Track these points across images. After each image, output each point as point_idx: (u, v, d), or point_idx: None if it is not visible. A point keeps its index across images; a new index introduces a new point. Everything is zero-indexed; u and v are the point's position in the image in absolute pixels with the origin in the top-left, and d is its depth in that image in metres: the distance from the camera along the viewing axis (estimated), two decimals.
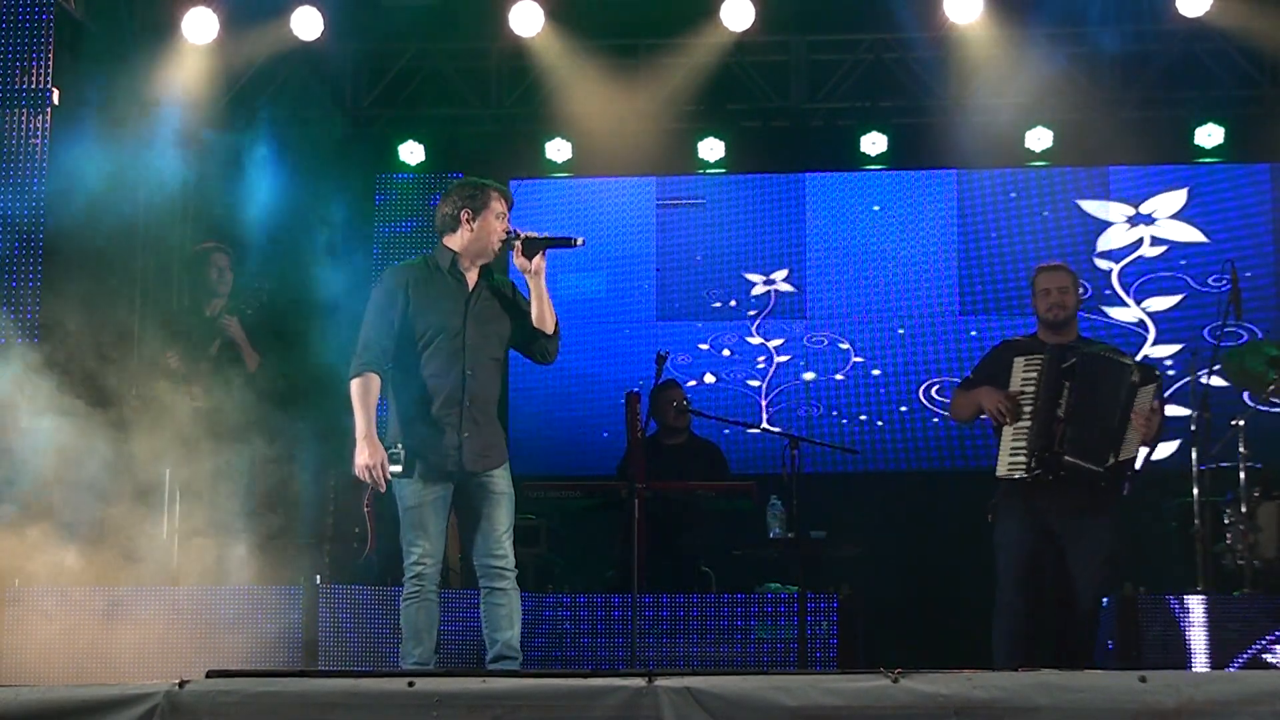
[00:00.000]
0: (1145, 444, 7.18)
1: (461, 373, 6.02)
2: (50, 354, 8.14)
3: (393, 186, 11.58)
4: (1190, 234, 10.92)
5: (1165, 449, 9.07)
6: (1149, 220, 10.99)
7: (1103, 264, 10.97)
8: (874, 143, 11.03)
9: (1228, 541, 8.32)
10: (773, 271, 11.26)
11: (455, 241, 6.16)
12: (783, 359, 11.10)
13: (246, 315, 8.75)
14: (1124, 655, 7.23)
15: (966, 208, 11.21)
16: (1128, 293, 10.88)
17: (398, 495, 6.06)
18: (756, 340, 11.25)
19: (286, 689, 4.65)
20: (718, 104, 11.11)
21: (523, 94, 11.16)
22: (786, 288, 11.25)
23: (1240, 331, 8.57)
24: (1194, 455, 8.24)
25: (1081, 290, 7.87)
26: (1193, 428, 8.25)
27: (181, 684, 4.62)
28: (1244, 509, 8.20)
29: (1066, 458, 7.06)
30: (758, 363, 11.16)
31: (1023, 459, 7.12)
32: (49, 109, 8.78)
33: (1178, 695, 4.41)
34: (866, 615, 8.08)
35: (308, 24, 10.21)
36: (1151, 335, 10.78)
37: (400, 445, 5.98)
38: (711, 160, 11.06)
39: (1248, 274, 10.01)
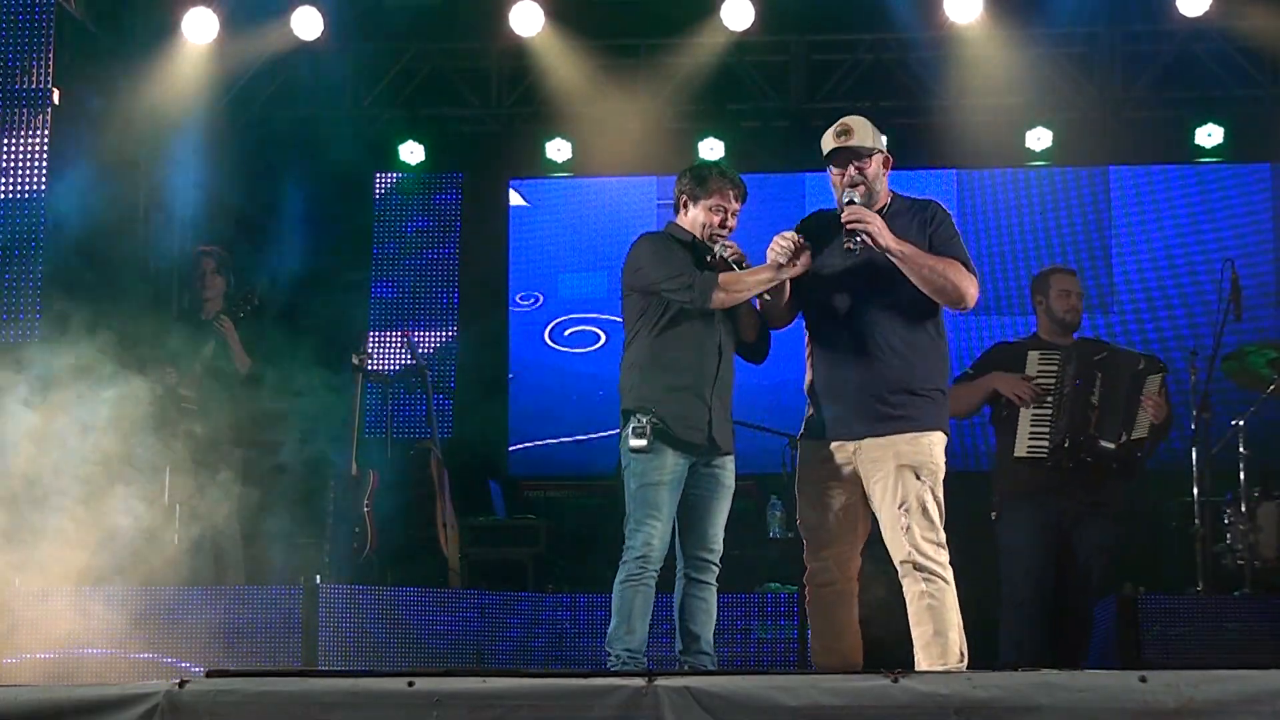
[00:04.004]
0: (1157, 425, 7.33)
1: (717, 347, 5.85)
2: (49, 353, 8.13)
3: (393, 186, 11.58)
4: None
5: None
6: None
7: None
8: None
9: (1228, 541, 8.33)
10: None
11: (683, 222, 6.01)
12: None
13: (239, 317, 8.75)
14: (1124, 655, 7.24)
15: (966, 207, 11.21)
16: None
17: (634, 470, 5.79)
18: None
19: (286, 689, 4.64)
20: (718, 104, 11.13)
21: (523, 94, 11.18)
22: None
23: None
24: (1194, 455, 8.24)
25: None
26: (1193, 427, 8.26)
27: (181, 683, 4.61)
28: (1244, 509, 8.21)
29: (1102, 442, 7.21)
30: None
31: (1046, 442, 7.21)
32: (49, 109, 8.78)
33: (1177, 695, 4.40)
34: (866, 615, 8.06)
35: (308, 24, 10.22)
36: None
37: (646, 419, 5.72)
38: (711, 160, 11.06)
39: (1248, 274, 9.97)
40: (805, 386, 5.86)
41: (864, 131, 5.74)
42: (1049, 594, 7.18)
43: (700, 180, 5.96)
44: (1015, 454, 7.27)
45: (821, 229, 5.79)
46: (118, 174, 9.44)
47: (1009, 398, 7.29)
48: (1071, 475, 7.22)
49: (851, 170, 5.68)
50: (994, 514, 7.36)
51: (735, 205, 5.93)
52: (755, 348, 6.05)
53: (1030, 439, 7.26)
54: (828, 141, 5.75)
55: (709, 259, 5.88)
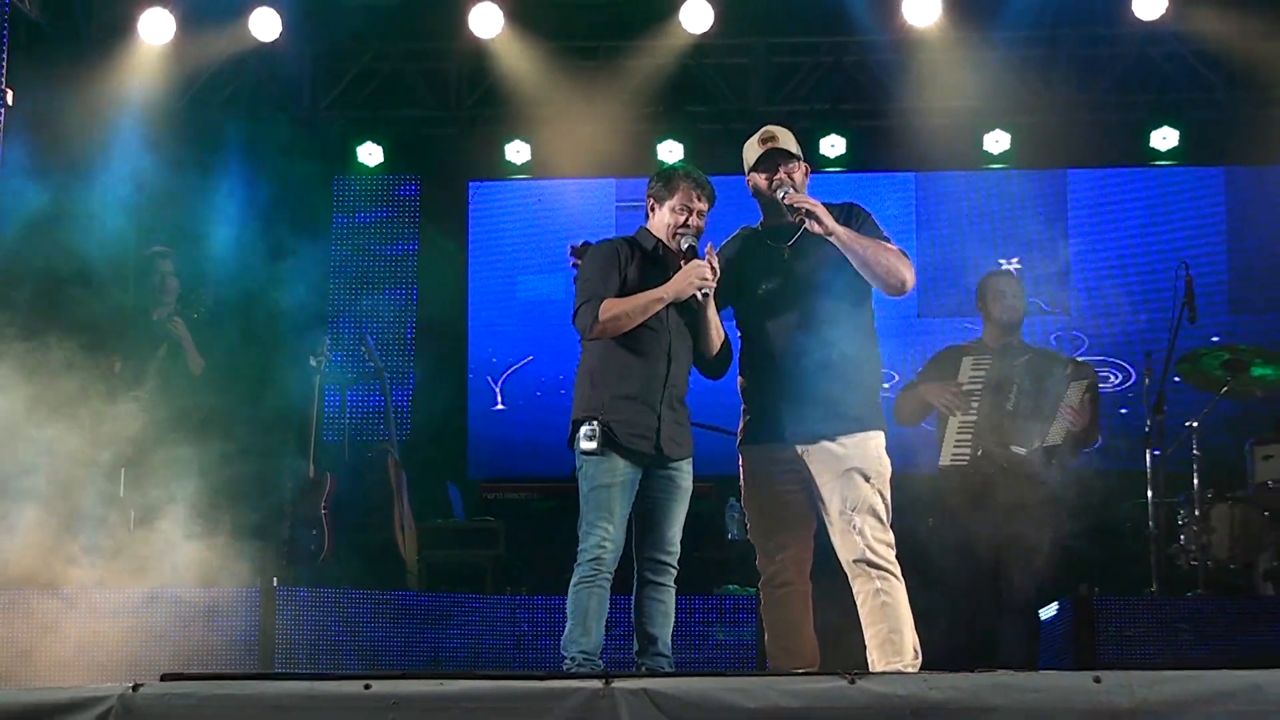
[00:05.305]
0: (1075, 432, 7.31)
1: (666, 354, 5.83)
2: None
3: (351, 188, 11.55)
4: None
5: None
6: None
7: None
8: (833, 145, 11.08)
9: (1181, 542, 8.39)
10: None
11: (651, 226, 6.02)
12: None
13: (192, 319, 8.70)
14: (1079, 656, 7.27)
15: (925, 210, 11.25)
16: None
17: (585, 473, 5.79)
18: None
19: (242, 692, 4.62)
20: (677, 106, 11.14)
21: (482, 95, 11.16)
22: None
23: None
24: (1148, 457, 8.29)
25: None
26: (1148, 429, 8.30)
27: (135, 687, 4.58)
28: (1197, 510, 8.28)
29: (1012, 447, 7.21)
30: None
31: (967, 449, 7.23)
32: (3, 110, 8.71)
33: (1131, 695, 4.44)
34: (826, 616, 8.08)
35: (265, 25, 10.18)
36: None
37: (596, 423, 5.73)
38: (671, 162, 11.06)
39: (1202, 276, 10.02)
40: (740, 390, 5.93)
41: (788, 138, 5.86)
42: (986, 598, 7.19)
43: (666, 181, 5.99)
44: (940, 462, 7.32)
45: (749, 242, 5.94)
46: (72, 175, 9.37)
47: (938, 406, 7.34)
48: (995, 481, 7.21)
49: (781, 174, 5.76)
50: (930, 520, 7.38)
51: (701, 205, 5.93)
52: (714, 363, 6.04)
53: (955, 446, 7.29)
54: (753, 148, 5.85)
55: (681, 260, 5.90)
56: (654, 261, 5.93)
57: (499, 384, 11.34)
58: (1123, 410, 10.46)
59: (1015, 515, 7.15)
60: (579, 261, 6.08)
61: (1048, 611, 7.64)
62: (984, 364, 7.35)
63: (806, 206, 5.62)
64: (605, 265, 5.90)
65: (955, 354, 7.52)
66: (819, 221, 5.61)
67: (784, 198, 5.68)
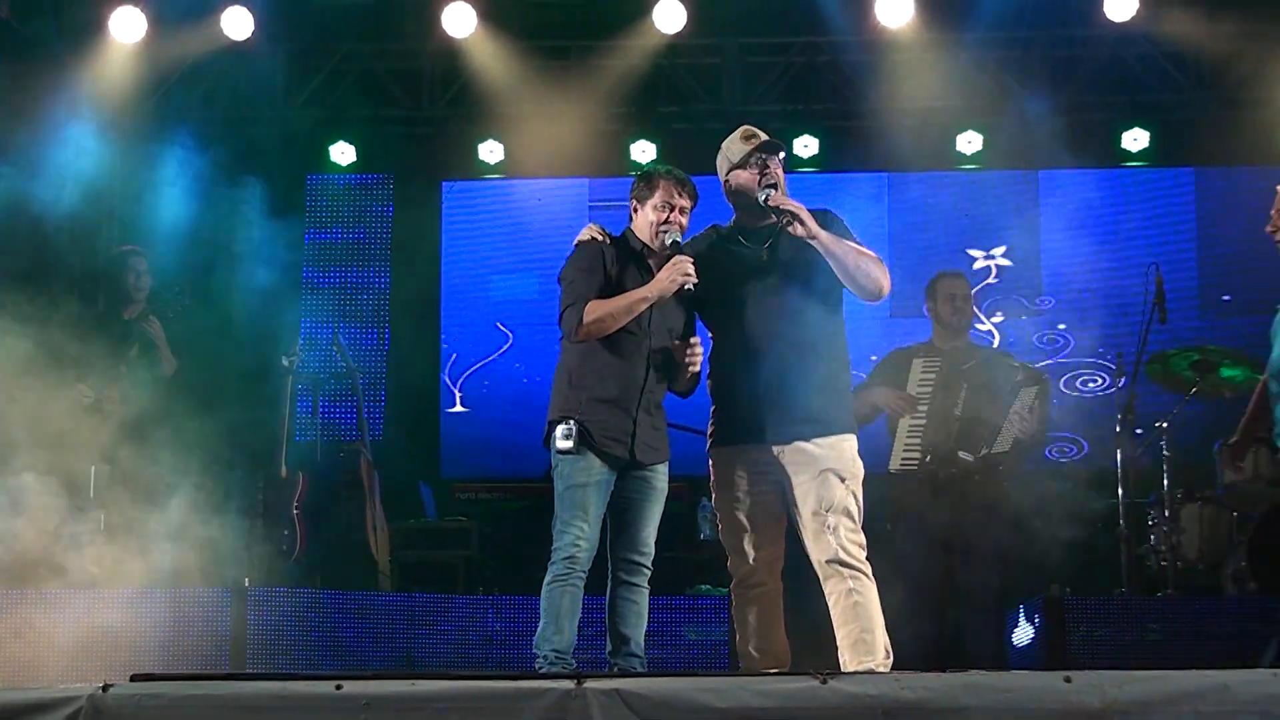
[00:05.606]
0: (1023, 439, 7.32)
1: (645, 359, 5.83)
2: None
3: (323, 187, 11.52)
4: None
5: None
6: None
7: None
8: (806, 145, 11.11)
9: (1151, 543, 8.43)
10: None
11: (635, 227, 5.99)
12: None
13: (168, 318, 8.67)
14: (1050, 655, 7.29)
15: (898, 210, 11.27)
16: None
17: (561, 472, 5.79)
18: None
19: (213, 692, 4.60)
20: (650, 106, 11.15)
21: (455, 95, 11.15)
22: None
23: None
24: (1119, 457, 8.32)
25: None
26: (1118, 429, 8.33)
27: (105, 687, 4.56)
28: (1167, 510, 8.31)
29: (960, 453, 7.22)
30: None
31: (917, 454, 7.24)
32: None
33: (1102, 695, 4.45)
34: (795, 616, 8.09)
35: (238, 23, 10.15)
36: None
37: (572, 422, 5.74)
38: (644, 162, 11.06)
39: (1173, 277, 10.06)
40: (710, 391, 5.92)
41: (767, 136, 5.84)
42: (943, 603, 7.20)
43: (648, 181, 5.98)
44: (890, 466, 7.32)
45: (722, 241, 5.92)
46: (44, 173, 9.33)
47: (887, 410, 7.34)
48: (945, 487, 7.24)
49: (772, 170, 5.73)
50: (889, 525, 7.38)
51: (683, 202, 5.92)
52: (683, 392, 6.05)
53: (904, 451, 7.30)
54: (736, 145, 5.80)
55: (666, 250, 5.91)
56: (638, 262, 5.93)
57: (458, 385, 11.33)
58: (1100, 411, 10.48)
59: (964, 519, 7.17)
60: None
61: (1022, 637, 7.67)
62: (934, 367, 7.36)
63: (791, 209, 5.61)
64: (589, 267, 5.88)
65: (905, 356, 7.51)
66: (803, 225, 5.60)
67: (767, 199, 5.66)
